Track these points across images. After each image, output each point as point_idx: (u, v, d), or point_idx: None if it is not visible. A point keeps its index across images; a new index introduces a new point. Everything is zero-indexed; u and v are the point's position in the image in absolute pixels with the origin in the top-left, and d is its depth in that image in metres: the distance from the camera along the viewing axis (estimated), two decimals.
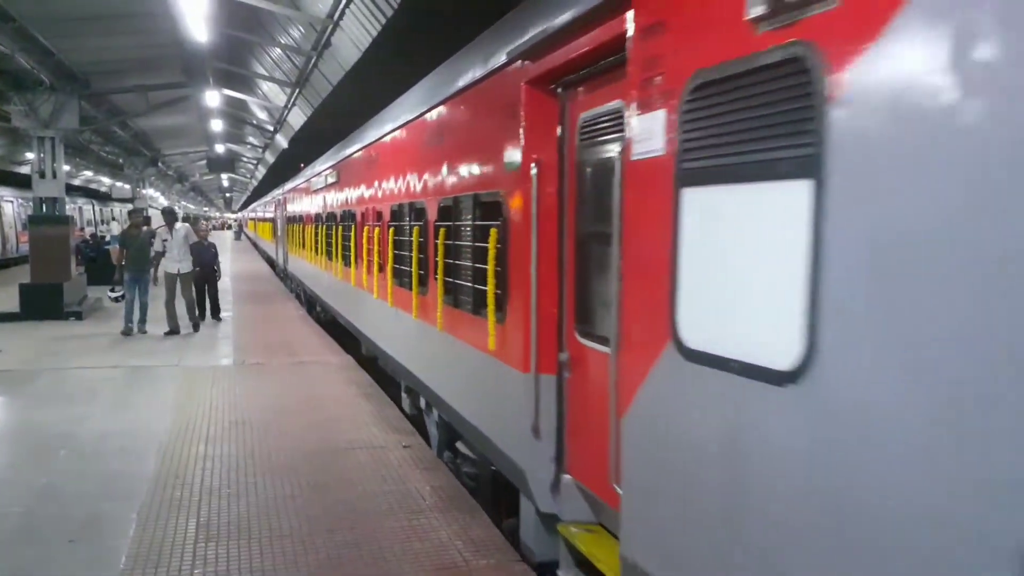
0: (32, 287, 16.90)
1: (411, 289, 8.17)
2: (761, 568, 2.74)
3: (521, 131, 5.10)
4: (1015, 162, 1.87)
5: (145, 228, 15.66)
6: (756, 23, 2.73)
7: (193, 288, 15.39)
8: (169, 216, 15.44)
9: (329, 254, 15.18)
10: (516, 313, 5.28)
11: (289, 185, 26.13)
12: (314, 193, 18.30)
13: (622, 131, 3.83)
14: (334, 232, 14.49)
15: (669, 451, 3.33)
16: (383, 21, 12.97)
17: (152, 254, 15.10)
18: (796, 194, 2.54)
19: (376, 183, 10.47)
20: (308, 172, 20.69)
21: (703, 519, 3.09)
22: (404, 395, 9.56)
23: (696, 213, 3.12)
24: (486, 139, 5.94)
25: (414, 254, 7.96)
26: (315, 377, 11.06)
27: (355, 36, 14.86)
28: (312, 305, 19.46)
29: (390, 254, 9.39)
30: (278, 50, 20.81)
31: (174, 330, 14.57)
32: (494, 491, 6.60)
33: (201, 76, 20.38)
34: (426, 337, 7.83)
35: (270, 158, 41.02)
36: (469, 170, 6.42)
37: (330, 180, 15.28)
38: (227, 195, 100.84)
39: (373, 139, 10.70)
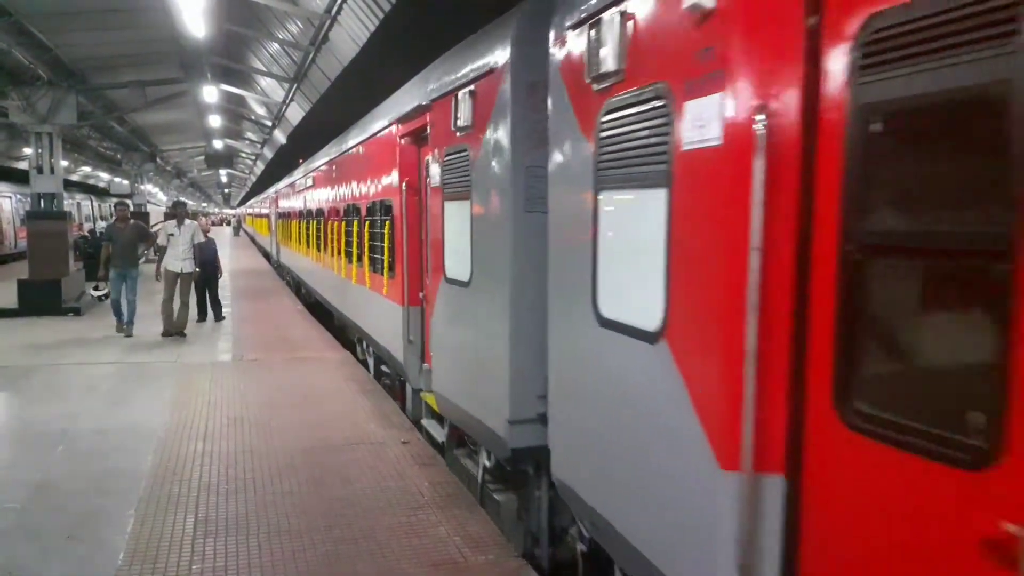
0: (30, 283, 16.87)
1: (351, 262, 12.00)
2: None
3: (398, 164, 8.72)
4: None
5: (132, 222, 14.70)
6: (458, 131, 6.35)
7: (193, 290, 14.71)
8: (179, 208, 14.69)
9: (307, 244, 18.54)
10: (398, 270, 8.85)
11: (279, 185, 29.87)
12: (297, 194, 21.69)
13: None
14: (310, 226, 17.87)
15: (446, 335, 6.84)
16: (380, 16, 12.92)
17: (147, 249, 14.61)
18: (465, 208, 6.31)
19: (330, 191, 14.88)
20: (293, 175, 23.83)
21: (458, 365, 6.57)
22: (357, 344, 12.98)
23: (455, 214, 6.40)
24: (384, 167, 9.52)
25: (354, 239, 11.68)
26: (313, 373, 11.05)
27: (353, 31, 14.81)
28: (299, 288, 22.13)
29: (341, 240, 12.97)
30: (276, 45, 20.75)
31: (171, 331, 13.89)
32: (397, 385, 9.85)
33: (199, 71, 20.33)
34: (359, 294, 11.52)
35: (268, 154, 40.96)
36: (377, 185, 9.99)
37: (307, 184, 18.95)
38: (225, 191, 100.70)
39: (332, 156, 14.70)
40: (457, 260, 6.36)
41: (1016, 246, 2.00)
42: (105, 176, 46.51)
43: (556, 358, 4.71)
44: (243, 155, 50.47)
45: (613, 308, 3.87)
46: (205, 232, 15.72)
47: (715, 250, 3.00)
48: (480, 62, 5.71)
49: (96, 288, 16.38)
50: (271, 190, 34.98)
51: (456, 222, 6.38)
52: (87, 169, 44.67)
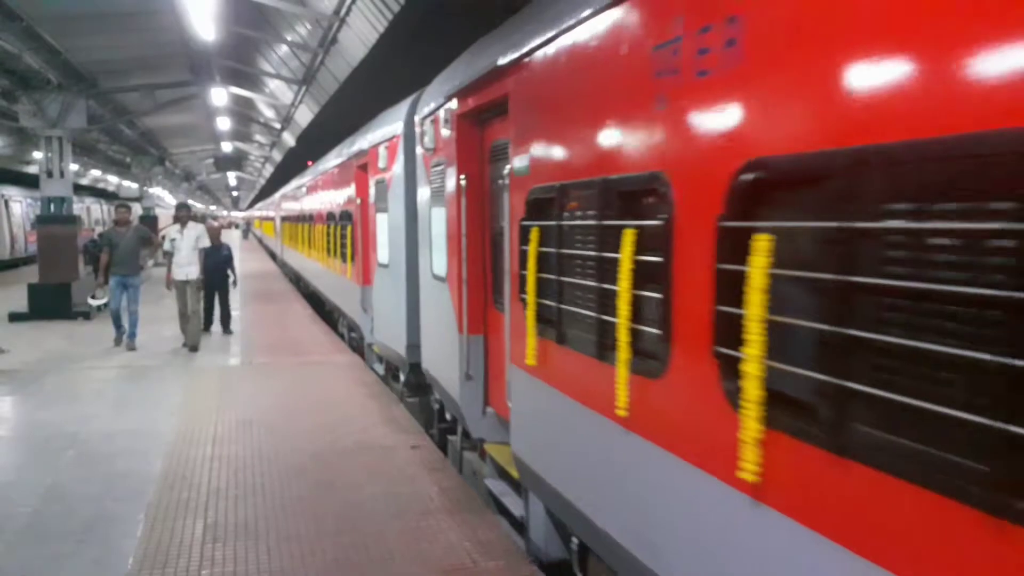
0: (40, 287, 16.94)
1: (331, 256, 15.65)
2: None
3: (355, 185, 12.35)
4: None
5: (133, 225, 13.83)
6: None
7: (201, 299, 13.63)
8: (181, 211, 13.57)
9: (303, 243, 21.87)
10: (357, 259, 12.53)
11: (283, 191, 34.20)
12: (295, 202, 25.76)
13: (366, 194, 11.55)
14: (305, 229, 21.32)
15: (378, 301, 10.84)
16: (390, 17, 12.92)
17: (151, 255, 13.90)
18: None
19: (316, 202, 18.88)
20: (292, 184, 28.20)
21: (383, 318, 10.63)
22: (338, 323, 16.24)
23: (381, 221, 10.32)
24: (348, 188, 13.18)
25: (333, 239, 15.21)
26: (322, 377, 11.03)
27: (361, 33, 14.81)
28: (298, 281, 25.39)
29: (325, 240, 16.44)
30: (285, 47, 20.78)
31: (193, 345, 12.93)
32: (361, 343, 12.90)
33: (208, 74, 20.38)
34: (334, 279, 15.66)
35: (277, 156, 41.06)
36: (347, 197, 13.29)
37: (302, 194, 23.00)
38: (234, 194, 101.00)
39: (316, 175, 19.19)
40: (382, 251, 10.43)
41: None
42: (114, 180, 46.69)
43: (417, 302, 8.73)
44: (252, 158, 50.62)
45: (435, 268, 7.72)
46: (216, 236, 14.85)
47: (452, 235, 6.85)
48: (389, 129, 9.87)
49: (93, 296, 14.47)
50: (277, 195, 39.25)
51: (381, 226, 10.43)
52: (97, 173, 44.85)
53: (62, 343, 13.66)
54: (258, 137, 40.37)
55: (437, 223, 7.52)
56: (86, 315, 16.60)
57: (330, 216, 15.61)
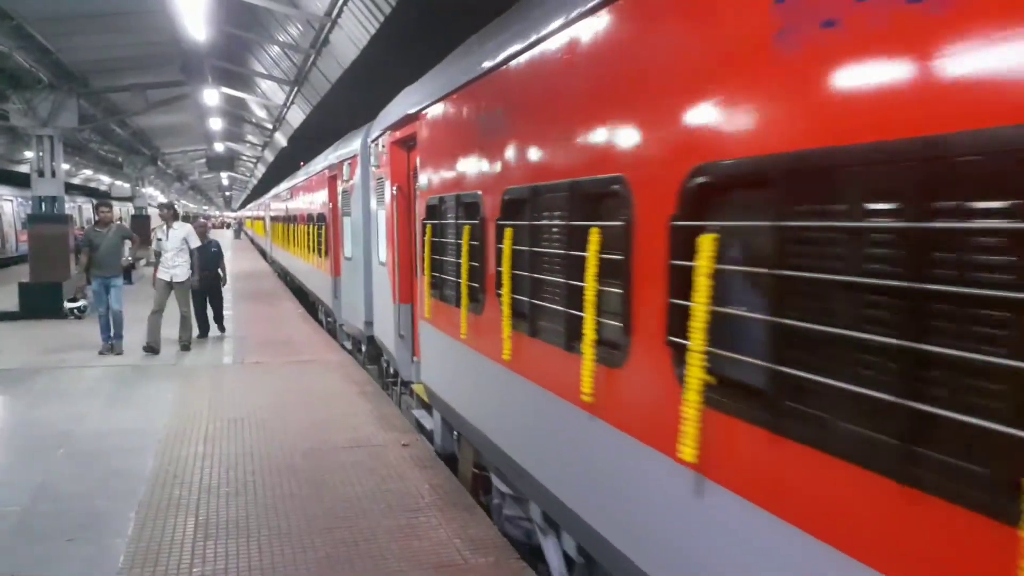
0: (31, 286, 16.91)
1: (310, 252, 17.85)
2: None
3: (327, 192, 14.93)
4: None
5: (116, 224, 13.30)
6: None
7: (190, 301, 13.20)
8: (165, 210, 13.17)
9: (288, 241, 24.50)
10: (329, 254, 14.91)
11: (271, 193, 37.10)
12: (280, 204, 28.59)
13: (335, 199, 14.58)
14: (290, 228, 23.91)
15: (345, 288, 13.43)
16: (381, 19, 12.95)
17: (133, 252, 13.08)
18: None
19: (296, 205, 22.22)
20: (280, 187, 31.05)
21: (349, 301, 13.39)
22: (318, 311, 18.22)
23: (346, 223, 12.99)
24: (322, 192, 15.68)
25: (312, 237, 17.46)
26: (314, 375, 11.06)
27: (353, 34, 14.84)
28: (286, 276, 27.05)
29: (304, 238, 19.17)
30: (276, 48, 20.79)
31: (153, 348, 12.34)
32: (333, 324, 15.57)
33: (199, 74, 20.38)
34: (311, 271, 18.17)
35: (269, 156, 41.01)
36: (322, 201, 15.71)
37: (287, 197, 25.84)
38: (227, 194, 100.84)
39: (298, 181, 22.54)
40: (347, 246, 12.91)
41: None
42: (106, 179, 46.58)
43: (389, 289, 9.46)
44: (244, 158, 50.54)
45: (380, 257, 9.85)
46: (204, 234, 14.24)
47: (388, 231, 9.04)
48: (351, 148, 12.15)
49: (73, 300, 13.78)
50: (265, 197, 42.98)
51: (346, 226, 12.94)
52: (88, 172, 44.73)
53: (53, 342, 13.64)
54: (250, 137, 40.33)
55: (381, 222, 9.83)
56: (77, 314, 16.57)
57: (309, 217, 18.19)
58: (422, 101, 7.28)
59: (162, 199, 39.31)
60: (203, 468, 7.02)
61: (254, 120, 33.77)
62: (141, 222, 32.56)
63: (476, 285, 5.59)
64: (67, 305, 14.15)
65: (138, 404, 9.40)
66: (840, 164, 2.28)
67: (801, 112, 2.45)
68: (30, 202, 20.00)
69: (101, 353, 12.30)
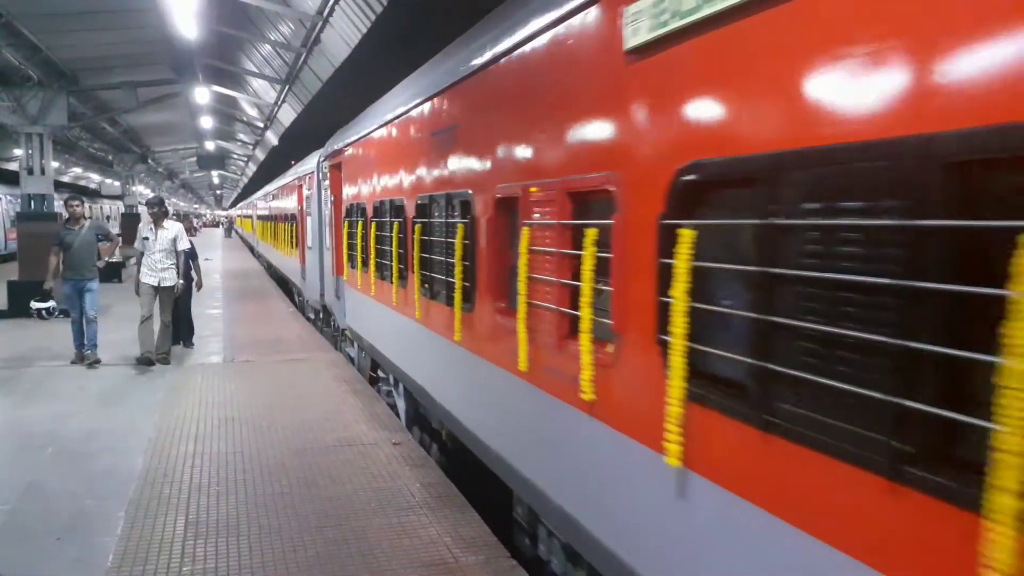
0: (20, 284, 16.79)
1: (286, 244, 22.02)
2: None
3: (297, 196, 19.02)
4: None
5: (88, 220, 12.23)
6: None
7: (171, 309, 11.68)
8: (153, 207, 11.63)
9: (270, 236, 28.42)
10: (299, 246, 18.70)
11: (257, 195, 42.13)
12: (266, 204, 32.19)
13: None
14: (272, 225, 28.07)
15: (308, 272, 17.17)
16: (373, 18, 12.93)
17: (110, 253, 11.77)
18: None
19: (274, 206, 27.10)
20: (263, 191, 36.11)
21: (310, 282, 16.76)
22: (294, 295, 21.48)
23: (309, 222, 16.62)
24: (293, 197, 19.94)
25: (289, 233, 21.03)
26: (305, 374, 11.04)
27: (344, 32, 14.82)
28: (270, 268, 29.69)
29: (281, 233, 23.66)
30: (267, 47, 20.74)
31: (149, 357, 11.36)
32: (300, 305, 19.89)
33: (190, 72, 20.31)
34: (286, 259, 22.60)
35: (260, 155, 40.90)
36: (294, 204, 19.71)
37: (269, 200, 29.97)
38: (217, 192, 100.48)
39: (276, 186, 27.11)
40: (309, 238, 16.08)
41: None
42: (96, 177, 46.35)
43: (329, 267, 13.52)
44: (235, 156, 50.38)
45: (327, 244, 13.76)
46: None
47: (330, 226, 13.40)
48: (311, 164, 15.82)
49: (40, 300, 12.13)
50: (252, 198, 48.53)
51: (309, 224, 16.18)
52: (78, 170, 44.51)
53: (42, 340, 13.56)
54: (241, 136, 40.22)
55: (327, 220, 13.76)
56: (66, 312, 16.45)
57: (284, 216, 23.10)
58: (343, 141, 11.76)
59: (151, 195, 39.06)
60: (193, 467, 7.01)
61: (245, 119, 33.67)
62: (131, 220, 32.42)
63: (369, 257, 9.58)
64: (33, 305, 12.56)
65: (128, 403, 9.35)
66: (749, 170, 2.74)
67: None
68: (19, 200, 19.91)
69: (73, 362, 11.48)
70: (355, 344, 11.94)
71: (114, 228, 29.06)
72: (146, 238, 11.34)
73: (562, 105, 4.16)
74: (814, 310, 2.41)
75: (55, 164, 25.84)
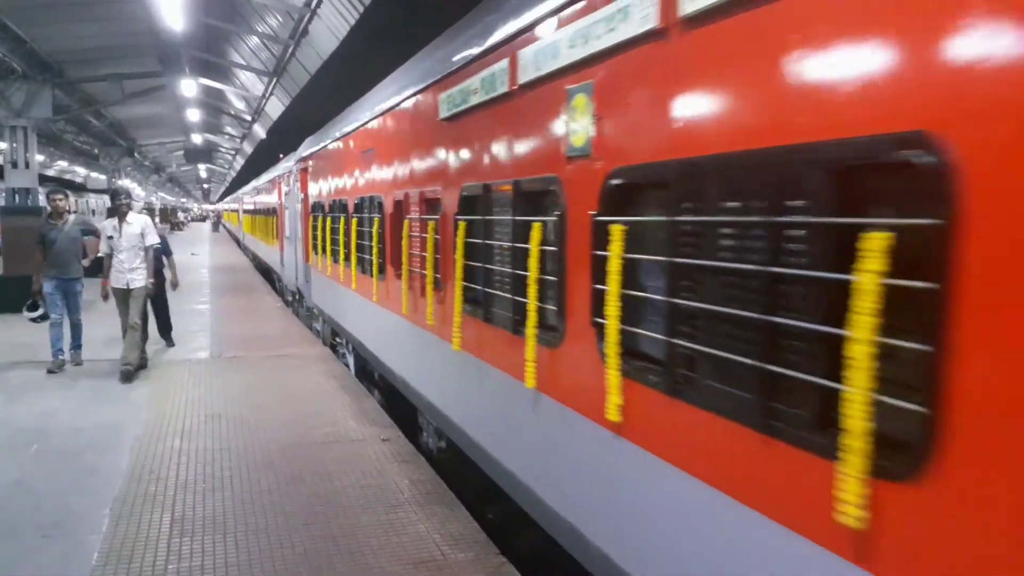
0: (4, 279, 16.63)
1: (268, 235, 24.49)
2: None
3: (277, 192, 21.36)
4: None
5: (73, 215, 11.46)
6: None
7: (141, 311, 10.48)
8: (119, 200, 10.38)
9: (253, 228, 31.18)
10: (279, 236, 20.87)
11: (242, 191, 43.61)
12: (250, 198, 34.09)
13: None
14: (254, 218, 30.92)
15: (286, 259, 19.61)
16: (360, 9, 12.85)
17: (85, 256, 11.17)
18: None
19: (256, 200, 29.94)
20: (247, 187, 38.39)
21: (288, 267, 19.27)
22: (276, 282, 22.76)
23: (287, 215, 18.94)
24: (273, 193, 22.47)
25: (269, 225, 24.08)
26: (293, 370, 10.97)
27: (332, 24, 14.72)
28: (256, 259, 30.92)
29: (264, 226, 25.85)
30: (255, 39, 20.60)
31: (140, 364, 10.70)
32: (279, 289, 21.87)
33: (177, 65, 20.12)
34: (268, 249, 24.70)
35: (248, 148, 40.70)
36: (274, 199, 22.20)
37: (255, 193, 31.35)
38: (205, 186, 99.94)
39: (257, 184, 30.26)
40: (286, 229, 18.38)
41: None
42: (82, 171, 46.01)
43: (301, 255, 15.79)
44: (222, 150, 50.11)
45: (299, 235, 16.05)
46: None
47: (302, 218, 15.61)
48: (289, 164, 18.09)
49: (31, 308, 11.22)
50: (238, 193, 49.92)
51: (286, 217, 18.44)
52: (63, 164, 44.16)
53: (27, 336, 13.40)
54: (229, 129, 39.99)
55: (299, 214, 15.78)
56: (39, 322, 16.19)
57: (266, 210, 25.50)
58: (309, 149, 14.32)
59: (140, 191, 38.60)
60: (179, 464, 6.94)
61: (233, 111, 33.47)
62: None
63: (326, 245, 11.80)
64: (27, 315, 11.43)
65: (113, 399, 9.27)
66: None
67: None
68: (3, 194, 19.71)
69: (51, 371, 10.56)
70: (320, 319, 14.25)
71: (101, 223, 28.77)
72: (111, 237, 10.26)
73: (418, 143, 6.92)
74: (698, 294, 2.96)
75: (40, 158, 25.63)
